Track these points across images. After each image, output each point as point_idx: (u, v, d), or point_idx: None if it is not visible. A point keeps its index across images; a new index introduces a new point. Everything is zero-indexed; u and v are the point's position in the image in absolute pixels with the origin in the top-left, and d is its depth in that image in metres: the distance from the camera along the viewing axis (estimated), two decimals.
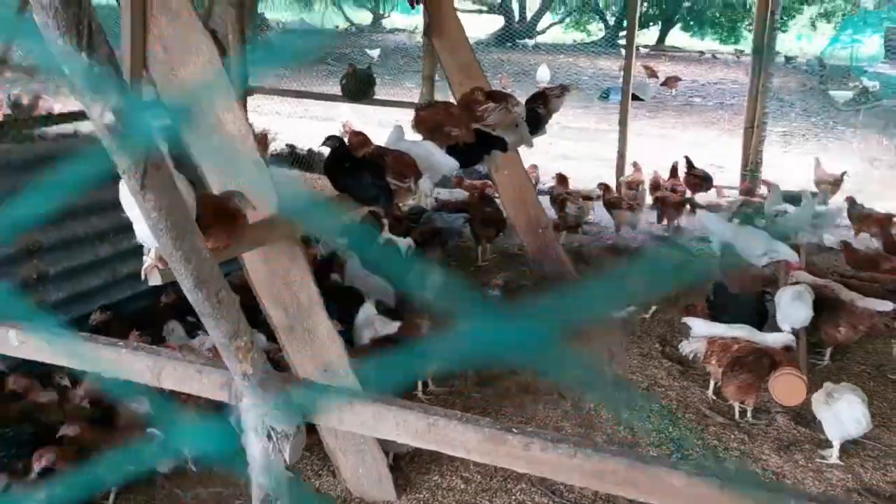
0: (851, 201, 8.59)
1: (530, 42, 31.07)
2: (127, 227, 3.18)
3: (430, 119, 5.58)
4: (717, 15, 39.13)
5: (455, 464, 4.52)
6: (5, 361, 4.14)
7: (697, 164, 9.42)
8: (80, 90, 1.42)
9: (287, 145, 11.02)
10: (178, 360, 2.39)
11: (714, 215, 7.37)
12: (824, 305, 5.80)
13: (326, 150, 4.66)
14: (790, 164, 12.11)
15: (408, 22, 33.69)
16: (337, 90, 8.92)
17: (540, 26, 34.24)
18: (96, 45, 1.42)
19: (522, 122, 6.35)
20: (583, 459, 1.99)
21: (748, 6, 34.26)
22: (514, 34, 30.99)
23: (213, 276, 1.87)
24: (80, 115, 7.23)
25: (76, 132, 8.86)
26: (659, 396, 5.44)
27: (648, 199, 8.88)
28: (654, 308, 6.82)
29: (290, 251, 4.23)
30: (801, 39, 37.74)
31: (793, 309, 5.66)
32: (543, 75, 21.45)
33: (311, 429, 4.30)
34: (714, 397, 5.44)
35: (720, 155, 12.48)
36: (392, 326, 5.14)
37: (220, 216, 3.48)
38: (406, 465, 4.55)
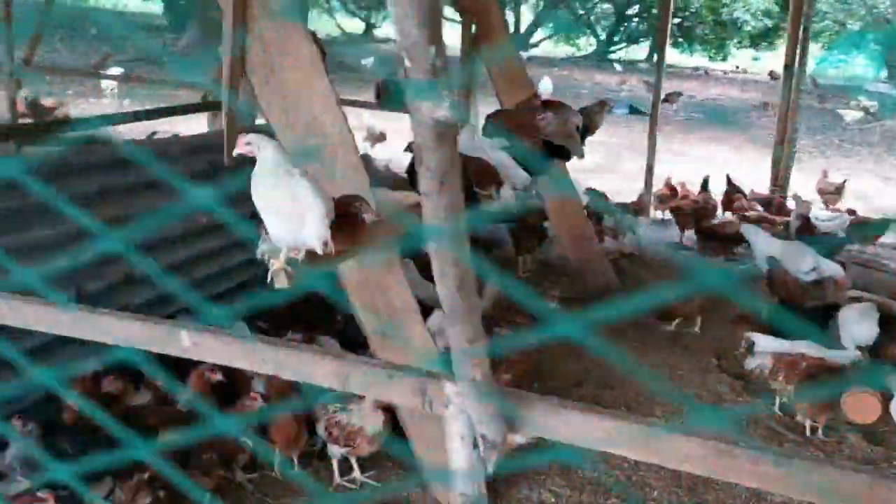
0: None
1: (524, 55, 31.18)
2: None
3: (502, 127, 5.54)
4: (707, 32, 39.50)
5: (541, 477, 4.47)
6: (99, 362, 4.03)
7: (715, 181, 9.53)
8: (420, 83, 1.36)
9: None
10: (366, 365, 2.31)
11: (758, 228, 7.38)
12: (886, 323, 5.82)
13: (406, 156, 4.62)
14: (802, 180, 12.24)
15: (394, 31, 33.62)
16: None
17: (532, 39, 34.40)
18: (439, 38, 1.37)
19: (576, 134, 6.33)
20: (821, 476, 1.94)
21: (739, 24, 34.74)
22: None
23: (470, 279, 1.82)
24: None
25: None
26: (727, 413, 5.41)
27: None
28: (699, 320, 6.82)
29: (385, 257, 4.17)
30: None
31: (859, 327, 5.67)
32: (546, 87, 21.52)
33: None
34: (780, 413, 5.43)
35: (733, 171, 12.59)
36: None
37: (342, 219, 3.41)
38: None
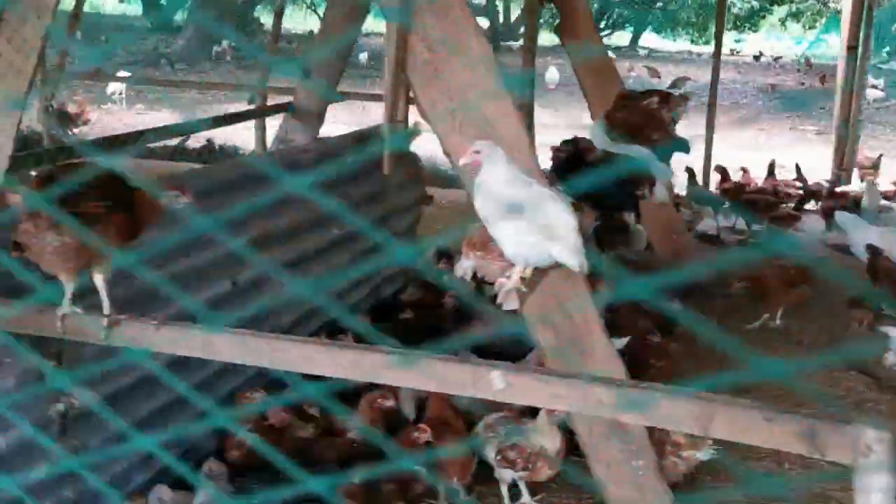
0: None
1: (515, 44, 30.91)
2: None
3: (627, 121, 5.26)
4: (691, 15, 39.50)
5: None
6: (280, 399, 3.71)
7: (755, 165, 9.32)
8: None
9: None
10: (735, 406, 2.03)
11: (855, 217, 7.18)
12: None
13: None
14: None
15: (384, 27, 33.24)
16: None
17: (521, 28, 34.12)
18: None
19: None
20: None
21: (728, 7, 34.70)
22: (498, 36, 30.81)
23: None
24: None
25: None
26: (873, 412, 5.19)
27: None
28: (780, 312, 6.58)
29: (564, 268, 3.87)
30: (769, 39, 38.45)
31: None
32: (553, 77, 21.28)
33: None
34: None
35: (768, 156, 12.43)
36: (620, 342, 4.78)
37: None
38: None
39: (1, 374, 2.76)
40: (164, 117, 11.12)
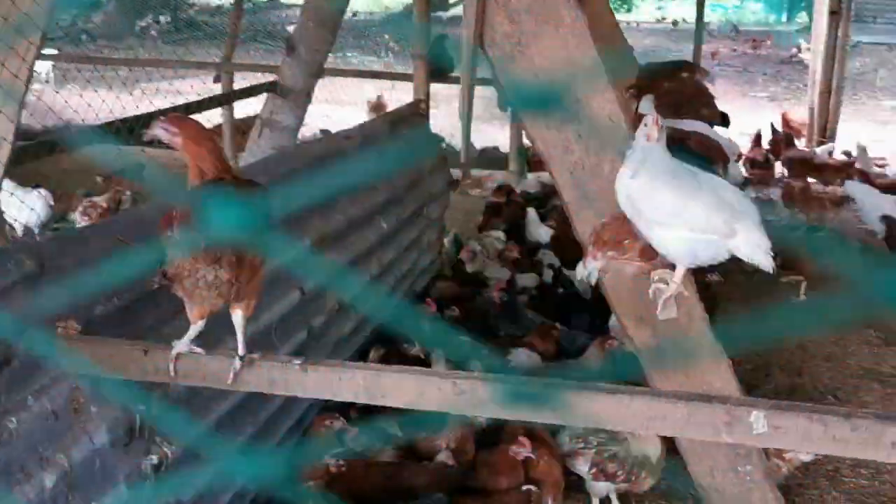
0: None
1: (444, 14, 30.40)
2: None
3: (676, 96, 4.93)
4: None
5: (827, 494, 3.97)
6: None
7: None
8: None
9: (321, 132, 10.04)
10: None
11: (865, 185, 7.07)
12: None
13: None
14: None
15: None
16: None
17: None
18: None
19: None
20: None
21: None
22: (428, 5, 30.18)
23: None
24: None
25: None
26: None
27: None
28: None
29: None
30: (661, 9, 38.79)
31: None
32: None
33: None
34: None
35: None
36: None
37: None
38: None
39: (91, 427, 2.25)
40: (107, 97, 10.27)
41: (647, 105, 4.62)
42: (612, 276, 3.32)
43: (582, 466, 3.72)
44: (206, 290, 1.92)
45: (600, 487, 3.73)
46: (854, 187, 7.08)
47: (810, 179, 7.88)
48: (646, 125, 2.53)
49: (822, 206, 7.16)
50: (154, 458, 2.44)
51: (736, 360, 4.51)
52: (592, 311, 4.94)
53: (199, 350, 2.10)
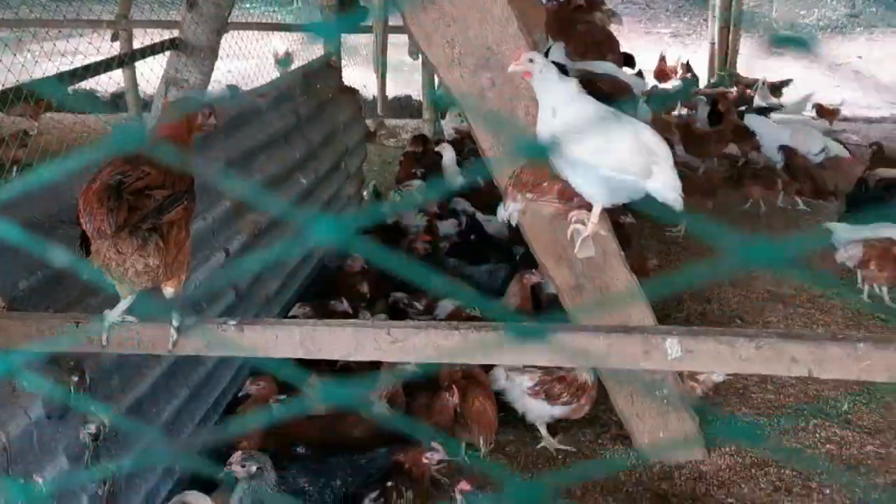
0: None
1: None
2: None
3: (586, 40, 5.01)
4: None
5: (738, 411, 4.24)
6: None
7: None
8: None
9: (229, 87, 9.76)
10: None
11: (763, 118, 7.37)
12: None
13: None
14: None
15: None
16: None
17: None
18: None
19: None
20: None
21: None
22: None
23: None
24: None
25: None
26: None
27: None
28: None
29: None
30: None
31: None
32: None
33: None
34: (870, 300, 5.47)
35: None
36: None
37: None
38: None
39: (26, 401, 2.25)
40: None
41: (558, 52, 4.73)
42: (531, 218, 3.43)
43: (526, 384, 3.83)
44: (135, 276, 1.93)
45: (542, 411, 3.86)
46: (753, 120, 7.38)
47: None
48: (532, 61, 2.58)
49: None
50: (92, 428, 2.45)
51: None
52: (510, 253, 5.09)
53: (131, 318, 2.11)
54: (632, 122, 2.63)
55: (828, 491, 3.60)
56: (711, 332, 1.95)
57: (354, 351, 2.05)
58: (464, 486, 2.95)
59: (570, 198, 2.89)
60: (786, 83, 9.35)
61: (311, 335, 2.06)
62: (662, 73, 9.39)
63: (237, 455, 2.97)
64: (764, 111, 8.09)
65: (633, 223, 6.01)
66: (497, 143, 3.53)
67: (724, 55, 9.76)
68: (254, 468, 2.95)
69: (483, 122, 3.55)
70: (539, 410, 3.83)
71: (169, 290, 2.06)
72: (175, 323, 2.07)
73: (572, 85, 2.62)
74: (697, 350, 1.94)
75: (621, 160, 2.52)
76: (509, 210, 3.00)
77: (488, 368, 3.97)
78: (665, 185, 2.55)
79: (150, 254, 1.90)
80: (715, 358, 1.94)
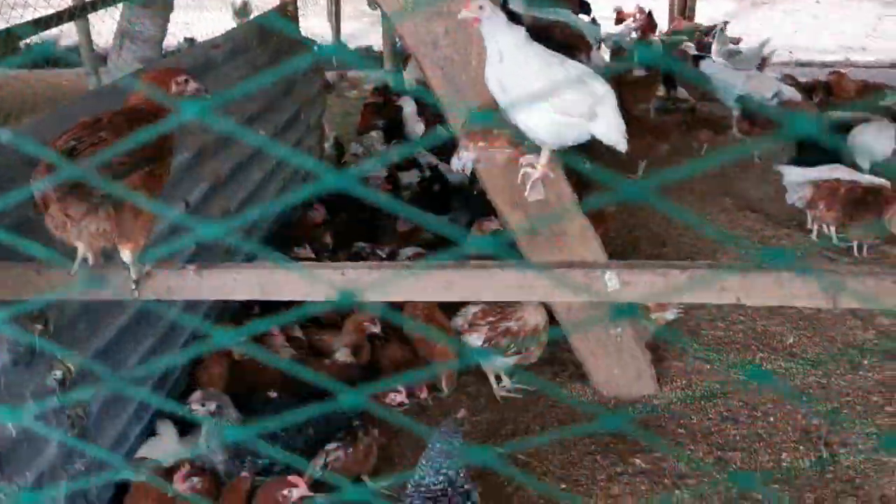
0: None
1: None
2: None
3: None
4: None
5: (689, 348, 4.40)
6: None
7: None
8: None
9: (186, 39, 9.67)
10: (857, 276, 2.03)
11: (720, 65, 7.46)
12: None
13: None
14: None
15: None
16: None
17: None
18: None
19: None
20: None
21: None
22: None
23: None
24: None
25: None
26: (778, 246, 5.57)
27: None
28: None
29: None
30: None
31: (877, 142, 5.90)
32: None
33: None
34: (817, 239, 5.66)
35: None
36: None
37: None
38: None
39: None
40: None
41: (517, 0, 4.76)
42: (484, 165, 3.51)
43: (475, 342, 3.97)
44: (89, 238, 1.99)
45: (495, 362, 4.00)
46: (708, 66, 7.47)
47: None
48: (481, 7, 2.64)
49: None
50: (58, 374, 2.52)
51: (605, 236, 4.88)
52: (472, 200, 5.18)
53: (91, 264, 2.17)
54: (576, 66, 2.70)
55: (772, 419, 3.79)
56: (647, 265, 2.06)
57: (311, 291, 2.14)
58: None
59: (520, 143, 2.97)
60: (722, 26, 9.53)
61: (268, 277, 2.14)
62: (621, 21, 9.45)
63: (196, 394, 3.08)
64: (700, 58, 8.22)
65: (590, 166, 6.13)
66: (451, 92, 3.58)
67: (683, 2, 9.82)
68: (213, 406, 3.06)
69: (438, 71, 3.60)
70: (490, 363, 3.97)
71: (126, 254, 2.11)
72: (134, 276, 2.13)
73: (520, 31, 2.69)
74: (634, 282, 2.05)
75: (565, 103, 2.60)
76: (463, 159, 3.08)
77: (451, 314, 4.09)
78: (609, 128, 2.64)
79: (102, 218, 1.96)
80: (650, 288, 2.05)
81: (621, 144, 2.66)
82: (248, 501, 2.89)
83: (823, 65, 10.74)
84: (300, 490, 2.80)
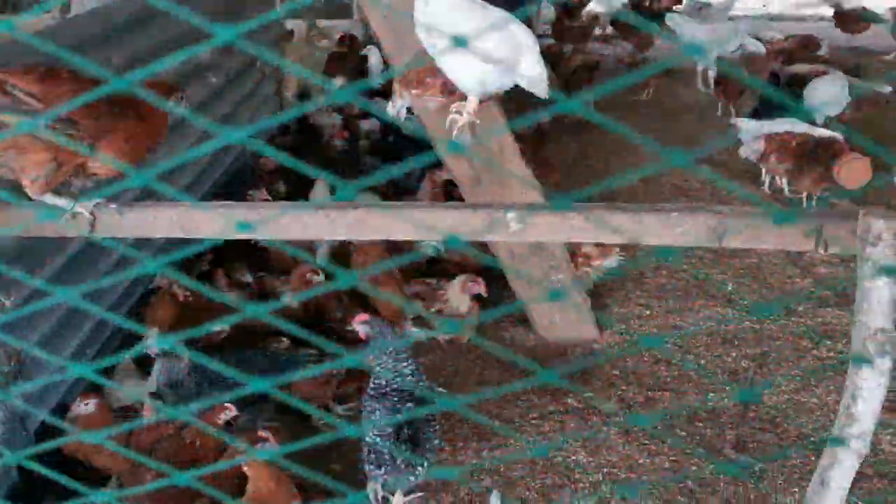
0: None
1: None
2: None
3: None
4: None
5: (632, 294, 4.52)
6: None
7: None
8: None
9: None
10: (741, 217, 2.12)
11: (683, 16, 7.50)
12: None
13: None
14: None
15: None
16: None
17: None
18: None
19: None
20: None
21: None
22: None
23: None
24: None
25: None
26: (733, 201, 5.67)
27: None
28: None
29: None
30: None
31: (830, 95, 5.98)
32: None
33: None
34: (769, 192, 5.77)
35: None
36: None
37: None
38: None
39: None
40: None
41: None
42: (422, 113, 3.58)
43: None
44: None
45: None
46: (674, 19, 7.50)
47: None
48: None
49: None
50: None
51: (556, 188, 4.98)
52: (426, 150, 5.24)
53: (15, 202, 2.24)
54: (500, 13, 2.75)
55: (703, 361, 3.93)
56: (547, 207, 2.16)
57: (225, 230, 2.22)
58: (360, 317, 3.15)
59: (453, 92, 3.03)
60: None
61: (186, 215, 2.22)
62: None
63: (151, 330, 3.19)
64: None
65: (549, 123, 6.21)
66: (393, 39, 3.63)
67: None
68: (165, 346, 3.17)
69: (381, 17, 3.64)
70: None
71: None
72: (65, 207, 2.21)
73: None
74: (534, 223, 2.14)
75: (488, 49, 2.65)
76: (397, 106, 3.14)
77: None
78: (531, 75, 2.71)
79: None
80: (550, 227, 2.15)
81: (543, 92, 2.72)
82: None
83: (799, 19, 10.78)
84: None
